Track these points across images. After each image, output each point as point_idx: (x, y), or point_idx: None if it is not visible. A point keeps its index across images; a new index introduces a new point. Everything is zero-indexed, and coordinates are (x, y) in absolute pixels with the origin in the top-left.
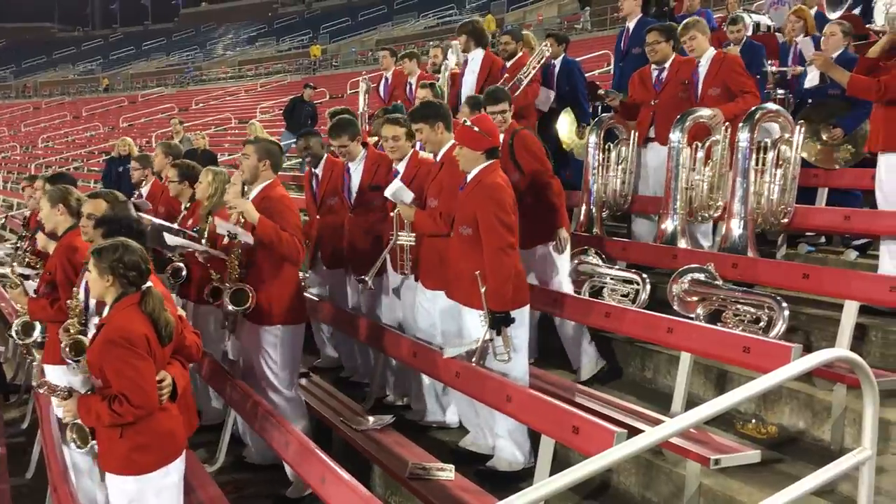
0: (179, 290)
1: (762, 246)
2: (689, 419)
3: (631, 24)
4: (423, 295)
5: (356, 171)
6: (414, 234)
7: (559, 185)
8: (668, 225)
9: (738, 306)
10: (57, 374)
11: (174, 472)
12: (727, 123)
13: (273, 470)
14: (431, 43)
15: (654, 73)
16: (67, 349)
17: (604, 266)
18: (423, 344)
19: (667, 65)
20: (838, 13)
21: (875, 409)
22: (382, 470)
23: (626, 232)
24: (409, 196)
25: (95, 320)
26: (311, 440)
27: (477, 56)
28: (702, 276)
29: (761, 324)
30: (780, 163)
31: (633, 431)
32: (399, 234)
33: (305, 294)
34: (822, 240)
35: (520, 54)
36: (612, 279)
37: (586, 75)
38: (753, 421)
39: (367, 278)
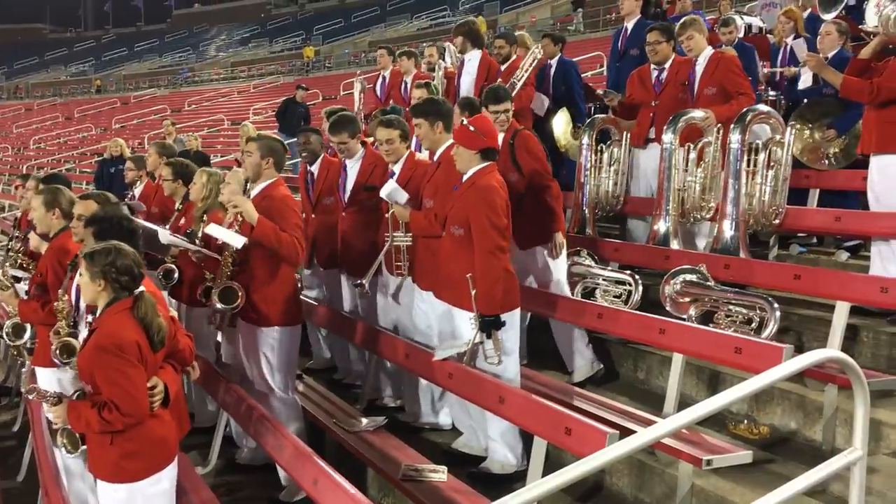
0: (171, 291)
1: (754, 247)
2: (681, 420)
3: (629, 25)
4: (420, 296)
5: (352, 169)
6: (410, 235)
7: (558, 188)
8: (661, 226)
9: (730, 307)
10: (47, 376)
11: (165, 479)
12: (719, 125)
13: (266, 472)
14: (425, 44)
15: (654, 74)
16: (58, 351)
17: (596, 267)
18: (417, 346)
19: (667, 65)
20: (832, 14)
21: (866, 410)
22: (375, 472)
23: (618, 233)
24: (403, 197)
25: (88, 318)
26: (305, 443)
27: (474, 57)
28: (694, 278)
29: (753, 325)
30: (772, 164)
31: (626, 432)
32: (394, 235)
33: (301, 296)
34: (814, 241)
35: (514, 57)
36: (604, 280)
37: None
38: (745, 421)
39: (363, 282)
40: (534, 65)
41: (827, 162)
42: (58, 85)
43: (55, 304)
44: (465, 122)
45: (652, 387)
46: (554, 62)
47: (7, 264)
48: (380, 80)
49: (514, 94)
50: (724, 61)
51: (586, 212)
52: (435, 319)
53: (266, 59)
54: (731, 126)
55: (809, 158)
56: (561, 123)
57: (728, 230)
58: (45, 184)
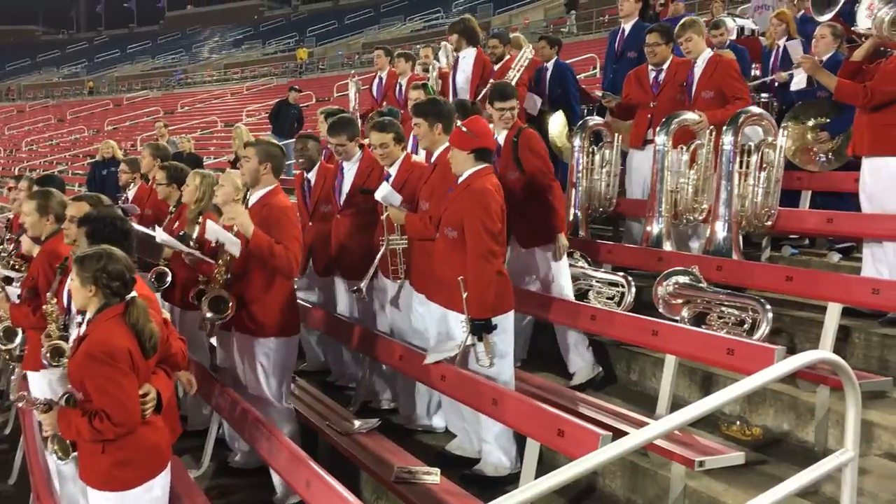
0: (164, 293)
1: (747, 248)
2: (673, 421)
3: (627, 27)
4: (417, 299)
5: (349, 172)
6: (405, 238)
7: (560, 189)
8: (654, 228)
9: (723, 309)
10: (38, 380)
11: (158, 487)
12: (712, 127)
13: (259, 475)
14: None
15: (652, 75)
16: (48, 354)
17: (589, 268)
18: (411, 348)
19: (665, 66)
20: (828, 16)
21: (857, 411)
22: (368, 474)
23: (611, 234)
24: (397, 199)
25: (78, 319)
26: (299, 446)
27: (469, 55)
28: (686, 279)
29: (745, 326)
30: (764, 166)
31: (619, 434)
32: (390, 238)
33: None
34: (806, 242)
35: (507, 57)
36: (597, 282)
37: None
38: (738, 423)
39: (361, 287)
40: (526, 64)
41: (822, 159)
42: (50, 87)
43: (45, 307)
44: (459, 124)
45: (645, 388)
46: (550, 65)
47: None
48: (376, 80)
49: None
50: (723, 65)
51: (579, 213)
52: (431, 322)
53: (259, 61)
54: (724, 128)
55: (802, 159)
56: (557, 125)
57: (720, 232)
58: (38, 185)
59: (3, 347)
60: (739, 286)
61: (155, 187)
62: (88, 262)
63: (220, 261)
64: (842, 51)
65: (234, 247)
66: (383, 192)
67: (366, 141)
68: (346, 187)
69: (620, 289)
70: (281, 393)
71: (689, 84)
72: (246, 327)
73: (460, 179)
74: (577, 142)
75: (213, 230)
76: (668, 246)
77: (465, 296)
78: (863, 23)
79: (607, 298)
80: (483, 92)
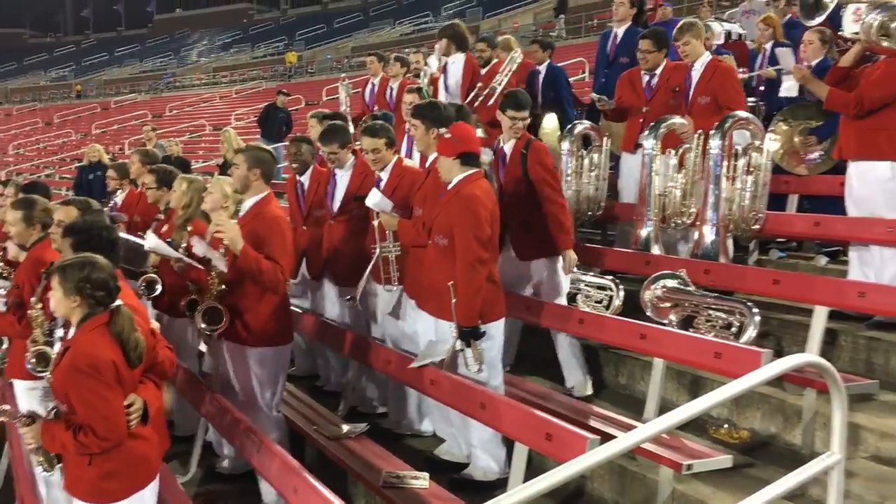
0: (152, 301)
1: (737, 252)
2: (661, 425)
3: (619, 31)
4: (411, 304)
5: (342, 178)
6: (398, 245)
7: (566, 203)
8: (643, 231)
9: (710, 312)
10: (22, 388)
11: (147, 498)
12: (699, 131)
13: (246, 480)
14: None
15: (645, 79)
16: (33, 360)
17: (578, 272)
18: (401, 353)
19: (658, 71)
20: (816, 21)
21: (843, 414)
22: (356, 479)
23: (600, 238)
24: (388, 205)
25: (61, 332)
26: (289, 452)
27: (458, 60)
28: (674, 283)
29: (733, 329)
30: (751, 170)
31: (607, 437)
32: (382, 245)
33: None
34: (794, 245)
35: (495, 61)
36: (586, 285)
37: None
38: (726, 426)
39: (355, 296)
40: (514, 69)
41: (816, 157)
42: (37, 90)
43: (29, 312)
44: (443, 130)
45: (633, 391)
46: (543, 68)
47: None
48: (368, 86)
49: (493, 98)
50: (721, 71)
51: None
52: (423, 328)
53: (248, 65)
54: (711, 132)
55: (789, 163)
56: (549, 128)
57: (708, 235)
58: (24, 192)
59: None
60: (727, 289)
61: (145, 191)
62: (71, 272)
63: (212, 272)
64: (831, 55)
65: (220, 263)
66: (374, 198)
67: (358, 145)
68: (340, 194)
69: (609, 292)
70: (272, 401)
71: (686, 89)
72: (238, 337)
73: (450, 186)
74: (565, 145)
75: (200, 248)
76: (656, 249)
77: (453, 302)
78: (849, 28)
79: (596, 302)
80: (472, 96)
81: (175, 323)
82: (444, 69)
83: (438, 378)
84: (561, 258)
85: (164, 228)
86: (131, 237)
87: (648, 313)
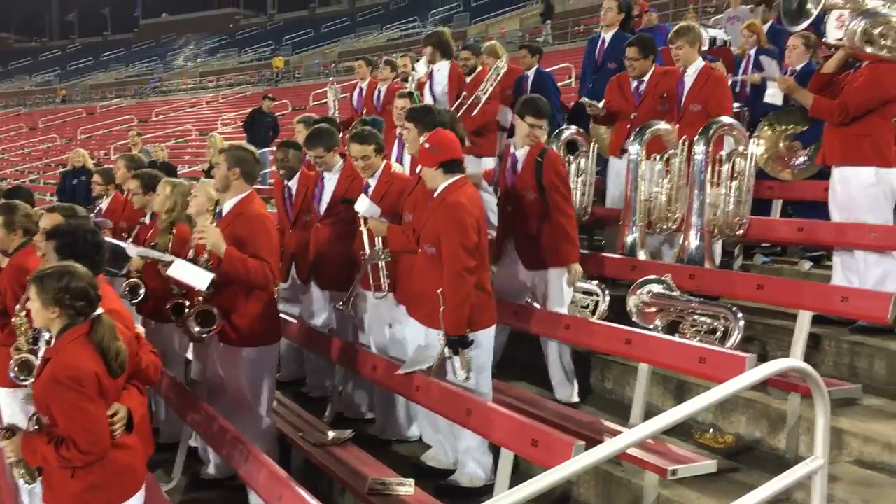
0: (136, 306)
1: (724, 257)
2: (646, 430)
3: (607, 37)
4: (399, 310)
5: (330, 182)
6: (387, 251)
7: (574, 214)
8: (628, 237)
9: (695, 317)
10: (4, 397)
11: None
12: (684, 136)
13: (231, 487)
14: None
15: (634, 84)
16: (17, 368)
17: None
18: (389, 360)
19: (646, 77)
20: (800, 27)
21: (826, 419)
22: (342, 486)
23: (586, 243)
24: (376, 212)
25: (46, 336)
26: (277, 461)
27: (443, 68)
28: (660, 288)
29: (717, 334)
30: (735, 175)
31: (593, 442)
32: (372, 251)
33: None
34: (779, 250)
35: (479, 69)
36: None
37: None
38: (711, 430)
39: (347, 304)
40: (498, 79)
41: (802, 161)
42: (22, 95)
43: (13, 319)
44: (422, 140)
45: (619, 396)
46: (531, 73)
47: None
48: (356, 90)
49: (479, 107)
50: (713, 80)
51: None
52: (413, 335)
53: (235, 70)
54: (696, 138)
55: (774, 168)
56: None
57: (693, 241)
58: (6, 198)
59: None
60: (712, 294)
61: (130, 198)
62: (49, 281)
63: None
64: (815, 60)
65: (202, 286)
66: (363, 204)
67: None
68: (327, 197)
69: (595, 297)
70: (263, 404)
71: (678, 95)
72: (227, 338)
73: (435, 194)
74: None
75: (179, 273)
76: (642, 255)
77: (441, 310)
78: (832, 34)
79: (582, 307)
80: (457, 103)
81: (161, 328)
82: (429, 76)
83: (425, 384)
84: (566, 270)
85: (150, 233)
86: (117, 241)
87: (634, 318)
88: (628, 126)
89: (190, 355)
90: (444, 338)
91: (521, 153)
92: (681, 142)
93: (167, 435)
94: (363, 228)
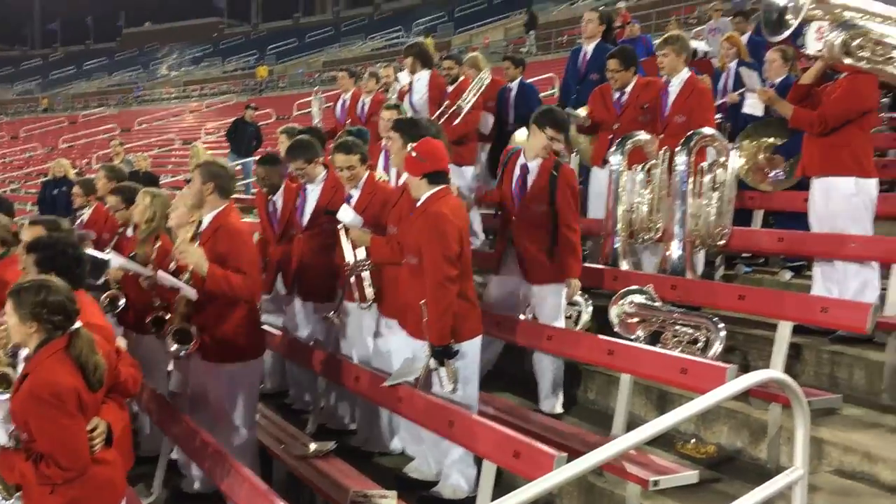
0: (118, 317)
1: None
2: (627, 442)
3: (589, 49)
4: (384, 322)
5: (313, 192)
6: (369, 262)
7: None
8: (610, 247)
9: (677, 327)
10: None
11: None
12: (665, 147)
13: (211, 500)
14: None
15: (616, 95)
16: None
17: None
18: (372, 371)
19: (628, 88)
20: (780, 37)
21: (806, 429)
22: (324, 498)
23: None
24: (359, 222)
25: (24, 353)
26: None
27: (423, 77)
28: (642, 298)
29: (699, 345)
30: (717, 186)
31: (575, 454)
32: (356, 261)
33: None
34: (761, 260)
35: (462, 78)
36: None
37: None
38: (693, 441)
39: (333, 316)
40: (481, 90)
41: (780, 175)
42: (3, 104)
43: None
44: (409, 147)
45: (602, 407)
46: (514, 84)
47: None
48: (340, 101)
49: (461, 116)
50: (698, 92)
51: None
52: (398, 346)
53: (219, 79)
54: (677, 148)
55: (754, 179)
56: (520, 141)
57: (675, 251)
58: None
59: None
60: (694, 305)
61: (112, 214)
62: (26, 296)
63: (179, 294)
64: (793, 73)
65: (189, 292)
66: (347, 215)
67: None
68: (310, 208)
69: (577, 308)
70: (245, 418)
71: (662, 106)
72: (208, 353)
73: (418, 204)
74: None
75: (166, 281)
76: (624, 265)
77: (424, 321)
78: (812, 46)
79: (565, 318)
80: (438, 112)
81: (142, 340)
82: (410, 86)
83: (408, 396)
84: (566, 284)
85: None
86: (98, 253)
87: (616, 329)
88: (610, 136)
89: (171, 366)
90: (429, 348)
91: (533, 164)
92: (662, 152)
93: (147, 448)
94: (344, 239)
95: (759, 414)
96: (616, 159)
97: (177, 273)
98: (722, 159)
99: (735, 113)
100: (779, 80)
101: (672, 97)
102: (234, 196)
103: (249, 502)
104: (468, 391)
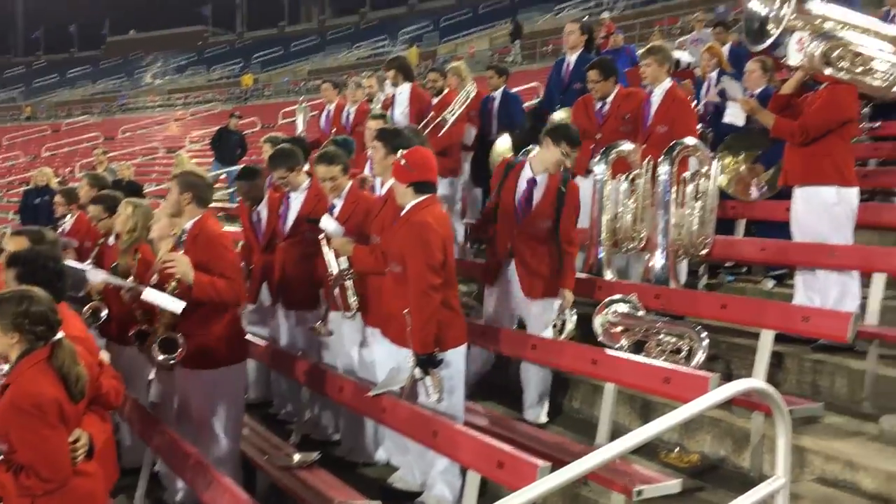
0: (100, 329)
1: (691, 277)
2: (611, 452)
3: (572, 59)
4: (369, 331)
5: (296, 201)
6: (353, 271)
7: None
8: (594, 256)
9: (660, 336)
10: None
11: None
12: (648, 157)
13: None
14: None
15: (597, 105)
16: None
17: None
18: (356, 381)
19: (609, 99)
20: (761, 47)
21: (787, 439)
22: None
23: None
24: (340, 231)
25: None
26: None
27: (405, 90)
28: (626, 308)
29: (682, 354)
30: (699, 196)
31: (559, 463)
32: (340, 271)
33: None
34: (745, 269)
35: (447, 91)
36: None
37: None
38: (676, 450)
39: (319, 327)
40: (467, 103)
41: (762, 189)
42: None
43: None
44: (399, 154)
45: (586, 416)
46: (498, 94)
47: None
48: (324, 113)
49: (445, 128)
50: (679, 103)
51: None
52: (382, 356)
53: (203, 87)
54: (660, 158)
55: (736, 189)
56: (503, 148)
57: (659, 260)
58: None
59: None
60: (677, 314)
61: (94, 224)
62: (7, 306)
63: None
64: (773, 84)
65: (177, 309)
66: (329, 224)
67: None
68: (292, 216)
69: (562, 317)
70: (228, 426)
71: (645, 116)
72: (191, 361)
73: (402, 212)
74: None
75: (153, 297)
76: (608, 274)
77: (408, 329)
78: (793, 57)
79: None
80: (423, 123)
81: (124, 351)
82: (392, 99)
83: (392, 406)
84: (560, 296)
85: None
86: (78, 264)
87: (600, 338)
88: (592, 146)
89: (151, 376)
90: (414, 357)
91: (541, 178)
92: (646, 162)
93: (129, 459)
94: (326, 248)
95: (743, 422)
96: (600, 169)
97: (160, 284)
98: (704, 169)
99: (716, 122)
100: (758, 90)
101: (654, 107)
102: (219, 205)
103: None
104: (453, 401)
